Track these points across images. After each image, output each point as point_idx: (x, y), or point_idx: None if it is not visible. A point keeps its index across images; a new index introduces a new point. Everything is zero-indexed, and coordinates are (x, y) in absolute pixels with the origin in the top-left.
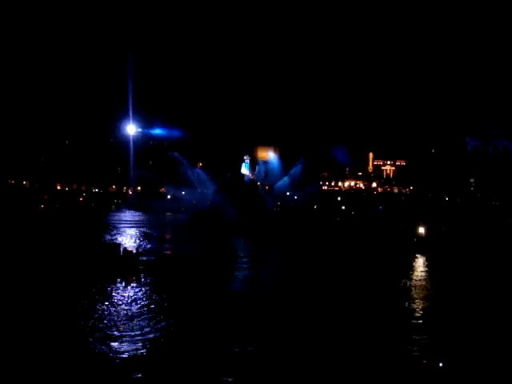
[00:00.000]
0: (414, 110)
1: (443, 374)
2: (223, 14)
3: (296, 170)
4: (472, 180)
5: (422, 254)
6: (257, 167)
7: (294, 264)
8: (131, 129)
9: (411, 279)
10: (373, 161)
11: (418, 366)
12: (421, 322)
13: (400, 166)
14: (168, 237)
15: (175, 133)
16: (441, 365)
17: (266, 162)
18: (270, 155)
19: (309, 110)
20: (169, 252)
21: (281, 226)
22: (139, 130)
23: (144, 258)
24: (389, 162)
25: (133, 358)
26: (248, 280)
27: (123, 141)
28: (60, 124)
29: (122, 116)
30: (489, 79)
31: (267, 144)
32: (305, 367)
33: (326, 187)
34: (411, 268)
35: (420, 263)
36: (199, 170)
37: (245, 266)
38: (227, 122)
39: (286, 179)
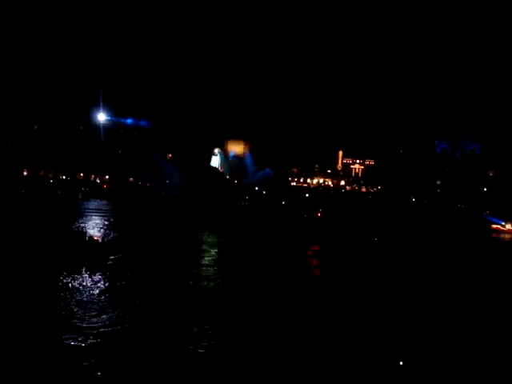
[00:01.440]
0: (385, 110)
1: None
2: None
3: (265, 165)
4: (439, 182)
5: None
6: (227, 161)
7: (253, 254)
8: (101, 117)
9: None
10: (342, 159)
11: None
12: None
13: (369, 165)
14: (136, 226)
15: (146, 123)
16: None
17: (236, 156)
18: (240, 149)
19: (280, 106)
20: (135, 241)
21: (248, 220)
22: (109, 118)
23: (110, 247)
24: (358, 161)
25: (91, 348)
26: (212, 270)
27: (93, 129)
28: (29, 109)
29: (92, 104)
30: (460, 83)
31: (238, 138)
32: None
33: (294, 183)
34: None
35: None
36: (169, 161)
37: (209, 257)
38: (199, 115)
39: (255, 174)
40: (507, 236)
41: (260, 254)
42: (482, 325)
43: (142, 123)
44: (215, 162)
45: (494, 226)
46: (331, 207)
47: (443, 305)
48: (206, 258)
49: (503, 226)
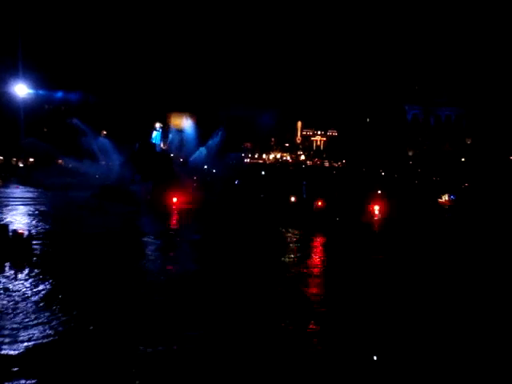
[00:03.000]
0: (348, 74)
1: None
2: None
3: (214, 140)
4: (411, 153)
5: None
6: (170, 136)
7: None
8: (21, 89)
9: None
10: (301, 131)
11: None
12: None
13: (331, 136)
14: (67, 216)
15: (75, 96)
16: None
17: (180, 131)
18: (184, 123)
19: (229, 73)
20: (67, 233)
21: (197, 203)
22: (31, 91)
23: (38, 241)
24: (319, 133)
25: (18, 359)
26: (158, 262)
27: (11, 104)
28: None
29: (9, 74)
30: (432, 43)
31: (182, 110)
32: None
33: (248, 160)
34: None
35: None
36: (104, 140)
37: (153, 247)
38: (136, 85)
39: (202, 150)
40: None
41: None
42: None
43: (71, 96)
44: (157, 138)
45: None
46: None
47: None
48: (149, 250)
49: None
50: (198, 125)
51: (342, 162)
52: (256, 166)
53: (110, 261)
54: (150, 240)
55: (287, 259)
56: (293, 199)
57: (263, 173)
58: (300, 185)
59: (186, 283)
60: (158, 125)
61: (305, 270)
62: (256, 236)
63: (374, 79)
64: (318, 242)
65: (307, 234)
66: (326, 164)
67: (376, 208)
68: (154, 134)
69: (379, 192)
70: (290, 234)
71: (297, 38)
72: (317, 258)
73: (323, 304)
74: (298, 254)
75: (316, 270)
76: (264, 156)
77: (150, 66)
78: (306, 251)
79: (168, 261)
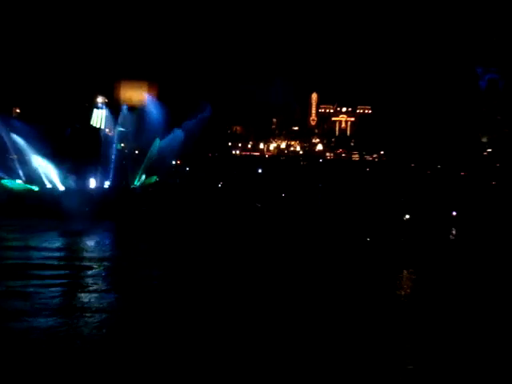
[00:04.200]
0: (388, 24)
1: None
2: None
3: (188, 124)
4: (485, 139)
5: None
6: (120, 116)
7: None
8: None
9: None
10: (317, 107)
11: None
12: None
13: (363, 115)
14: None
15: None
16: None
17: (135, 109)
18: (141, 96)
19: (209, 21)
20: None
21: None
22: None
23: None
24: (344, 110)
25: None
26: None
27: None
28: None
29: None
30: None
31: (136, 78)
32: None
33: (238, 151)
34: None
35: None
36: (16, 121)
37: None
38: (65, 39)
39: (171, 139)
40: None
41: None
42: None
43: None
44: (99, 119)
45: None
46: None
47: None
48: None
49: None
50: (162, 99)
51: (379, 153)
52: (250, 161)
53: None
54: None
55: None
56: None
57: (260, 171)
58: (314, 189)
59: None
60: (100, 99)
61: None
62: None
63: (428, 30)
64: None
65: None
66: (355, 157)
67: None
68: (96, 113)
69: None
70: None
71: None
72: None
73: None
74: None
75: None
76: (262, 146)
77: (86, 16)
78: None
79: None
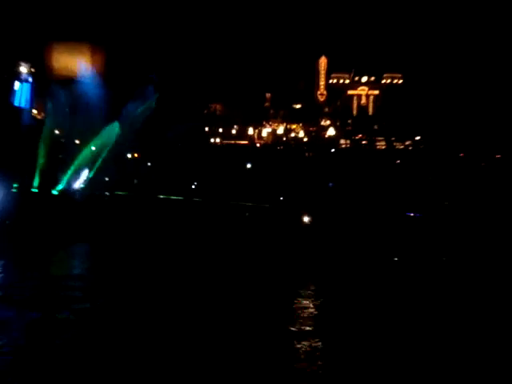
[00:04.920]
0: None
1: None
2: None
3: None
4: None
5: None
6: (51, 91)
7: None
8: None
9: None
10: (327, 76)
11: None
12: None
13: (390, 86)
14: None
15: None
16: None
17: (72, 82)
18: (81, 65)
19: None
20: None
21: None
22: None
23: None
24: (365, 79)
25: None
26: None
27: None
28: None
29: None
30: None
31: (74, 39)
32: None
33: (218, 139)
34: None
35: None
36: None
37: None
38: None
39: (116, 126)
40: None
41: None
42: None
43: None
44: (22, 95)
45: None
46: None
47: None
48: None
49: None
50: (110, 70)
51: (413, 139)
52: (234, 152)
53: None
54: None
55: None
56: (306, 220)
57: (249, 166)
58: (323, 189)
59: None
60: (24, 69)
61: None
62: None
63: None
64: None
65: None
66: (381, 144)
67: None
68: (18, 87)
69: None
70: None
71: None
72: None
73: None
74: None
75: None
76: (251, 131)
77: None
78: None
79: None
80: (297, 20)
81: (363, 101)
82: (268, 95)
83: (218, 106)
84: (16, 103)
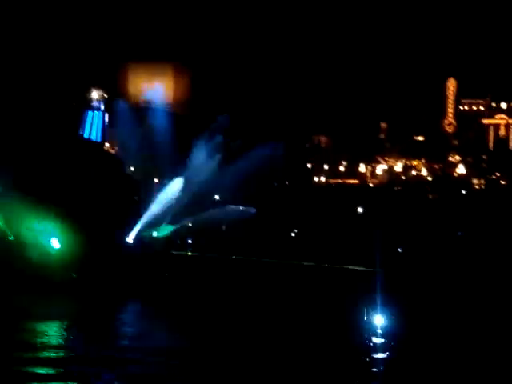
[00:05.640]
0: None
1: None
2: None
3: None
4: None
5: None
6: (124, 120)
7: None
8: None
9: None
10: (456, 101)
11: None
12: None
13: None
14: None
15: None
16: None
17: (148, 107)
18: (161, 88)
19: None
20: None
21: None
22: None
23: None
24: (504, 106)
25: None
26: None
27: None
28: None
29: None
30: None
31: (153, 58)
32: None
33: (323, 178)
34: None
35: None
36: None
37: None
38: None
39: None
40: None
41: None
42: None
43: None
44: (94, 125)
45: None
46: None
47: None
48: None
49: None
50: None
51: None
52: (343, 193)
53: None
54: None
55: None
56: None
57: (360, 210)
58: (450, 239)
59: None
60: (95, 95)
61: None
62: None
63: None
64: None
65: None
66: None
67: None
68: (87, 118)
69: None
70: None
71: None
72: None
73: None
74: None
75: None
76: (362, 168)
77: None
78: None
79: None
80: (420, 36)
81: (502, 132)
82: (383, 125)
83: (322, 139)
84: (85, 135)
